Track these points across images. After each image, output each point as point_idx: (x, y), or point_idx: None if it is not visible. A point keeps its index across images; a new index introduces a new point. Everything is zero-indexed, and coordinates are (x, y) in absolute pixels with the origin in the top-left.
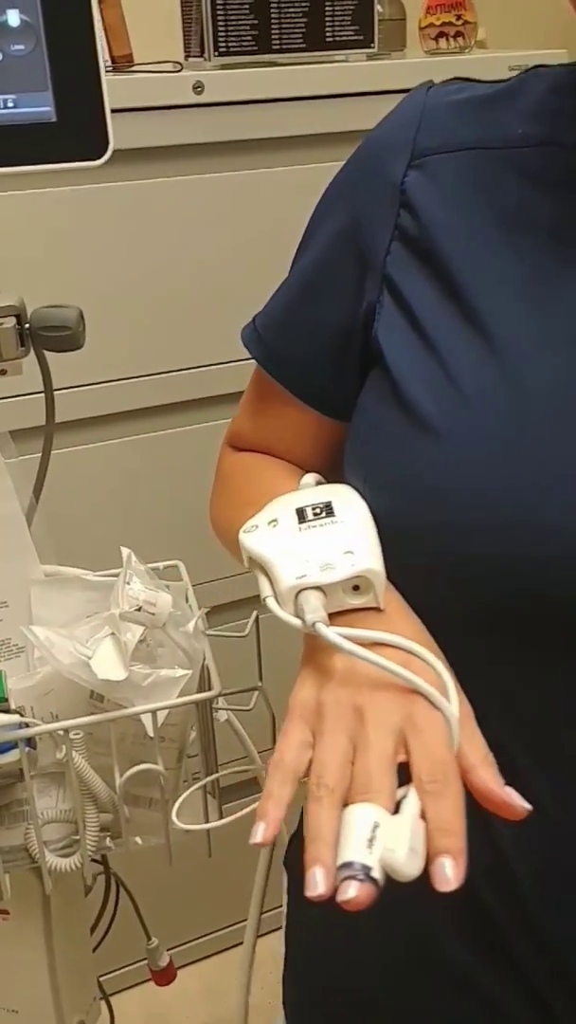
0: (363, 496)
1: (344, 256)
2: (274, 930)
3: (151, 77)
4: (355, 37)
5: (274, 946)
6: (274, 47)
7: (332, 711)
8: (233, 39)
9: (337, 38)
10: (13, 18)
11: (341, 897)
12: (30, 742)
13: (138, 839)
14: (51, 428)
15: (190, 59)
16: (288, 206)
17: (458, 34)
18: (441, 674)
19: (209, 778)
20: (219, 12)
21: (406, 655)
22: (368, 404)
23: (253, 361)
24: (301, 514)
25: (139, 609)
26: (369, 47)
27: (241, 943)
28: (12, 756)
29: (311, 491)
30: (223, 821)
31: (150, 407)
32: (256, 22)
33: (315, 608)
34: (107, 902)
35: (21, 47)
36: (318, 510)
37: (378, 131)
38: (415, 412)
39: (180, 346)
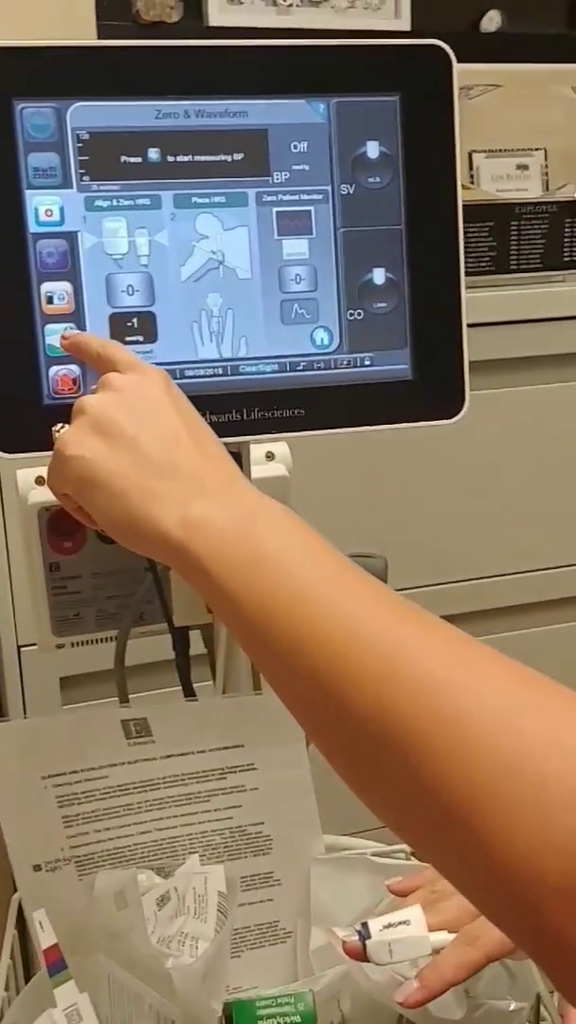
0: None
1: None
2: None
3: None
4: None
5: None
6: (511, 268)
7: None
8: (471, 261)
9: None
10: (379, 276)
11: None
12: None
13: None
14: None
15: None
16: None
17: None
18: None
19: None
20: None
21: None
22: None
23: None
24: None
25: None
26: None
27: None
28: None
29: None
30: None
31: None
32: (495, 243)
33: None
34: None
35: (383, 305)
36: None
37: None
38: None
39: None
